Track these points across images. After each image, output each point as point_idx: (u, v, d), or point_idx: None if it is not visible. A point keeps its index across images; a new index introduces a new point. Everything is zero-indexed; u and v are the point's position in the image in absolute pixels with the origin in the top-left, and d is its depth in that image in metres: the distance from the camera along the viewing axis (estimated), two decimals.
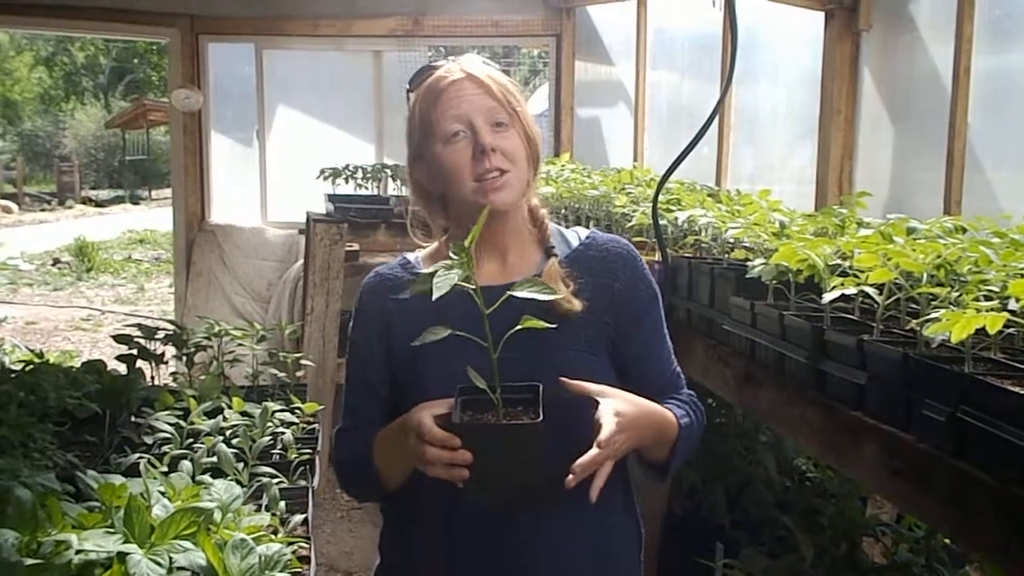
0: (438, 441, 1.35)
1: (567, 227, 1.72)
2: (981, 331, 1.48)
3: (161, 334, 3.36)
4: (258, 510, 2.17)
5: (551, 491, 1.38)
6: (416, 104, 1.59)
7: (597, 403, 1.42)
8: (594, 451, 1.35)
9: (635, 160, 5.67)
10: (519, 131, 1.56)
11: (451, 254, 1.34)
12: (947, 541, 2.59)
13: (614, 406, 1.41)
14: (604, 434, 1.36)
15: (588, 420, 1.41)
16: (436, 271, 1.32)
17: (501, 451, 1.35)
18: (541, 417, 1.34)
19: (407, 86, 1.63)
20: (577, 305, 1.53)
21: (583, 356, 1.55)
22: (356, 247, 5.31)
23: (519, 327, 1.35)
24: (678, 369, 1.70)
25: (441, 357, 1.47)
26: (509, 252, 1.62)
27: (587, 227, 1.81)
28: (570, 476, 1.35)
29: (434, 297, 1.28)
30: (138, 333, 3.30)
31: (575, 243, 1.66)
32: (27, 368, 3.07)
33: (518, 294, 1.34)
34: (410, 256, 1.72)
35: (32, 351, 3.38)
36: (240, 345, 3.47)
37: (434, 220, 1.68)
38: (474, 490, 1.37)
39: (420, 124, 1.58)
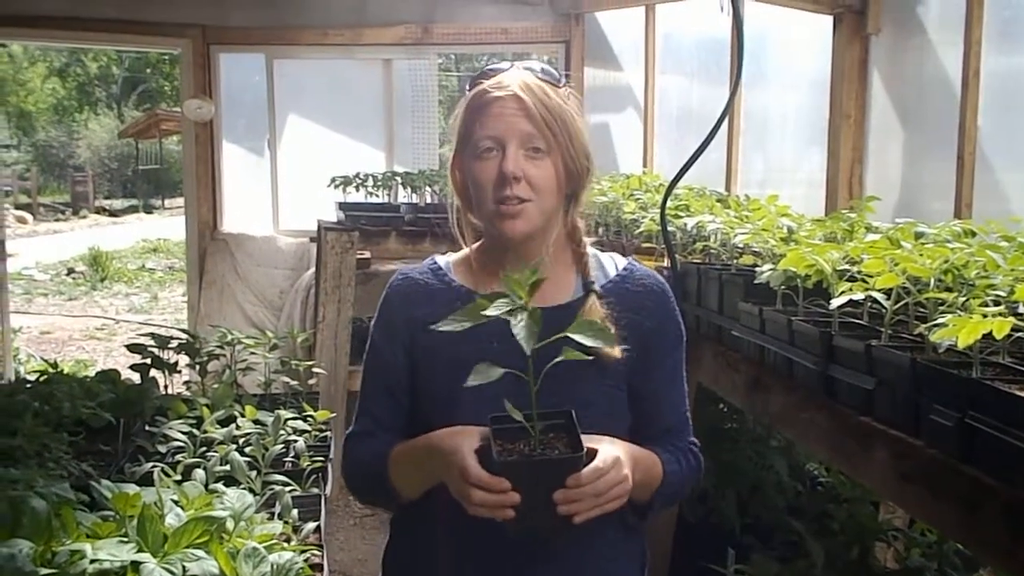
0: (486, 485, 1.32)
1: (602, 250, 1.70)
2: (989, 336, 1.48)
3: (174, 343, 3.38)
4: (271, 518, 2.19)
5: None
6: (462, 109, 1.58)
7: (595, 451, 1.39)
8: (571, 482, 1.33)
9: (645, 165, 5.67)
10: (557, 160, 1.52)
11: (507, 289, 1.34)
12: (960, 546, 2.58)
13: (613, 451, 1.39)
14: (586, 470, 1.33)
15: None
16: (498, 302, 1.32)
17: (546, 484, 1.33)
18: (584, 448, 1.34)
19: (467, 85, 1.61)
20: (617, 353, 1.51)
21: (608, 390, 1.55)
22: (367, 255, 5.33)
23: (560, 358, 1.34)
24: (688, 414, 1.67)
25: (466, 376, 1.41)
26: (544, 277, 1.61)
27: (596, 234, 1.80)
28: (557, 499, 1.33)
29: (527, 351, 1.29)
30: (151, 342, 3.33)
31: (612, 272, 1.64)
32: (42, 378, 3.10)
33: (575, 336, 1.33)
34: (440, 260, 1.68)
35: (47, 361, 3.41)
36: (253, 353, 3.49)
37: (467, 219, 1.64)
38: (518, 525, 1.35)
39: (460, 131, 1.57)
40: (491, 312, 1.32)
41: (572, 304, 1.57)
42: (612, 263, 1.67)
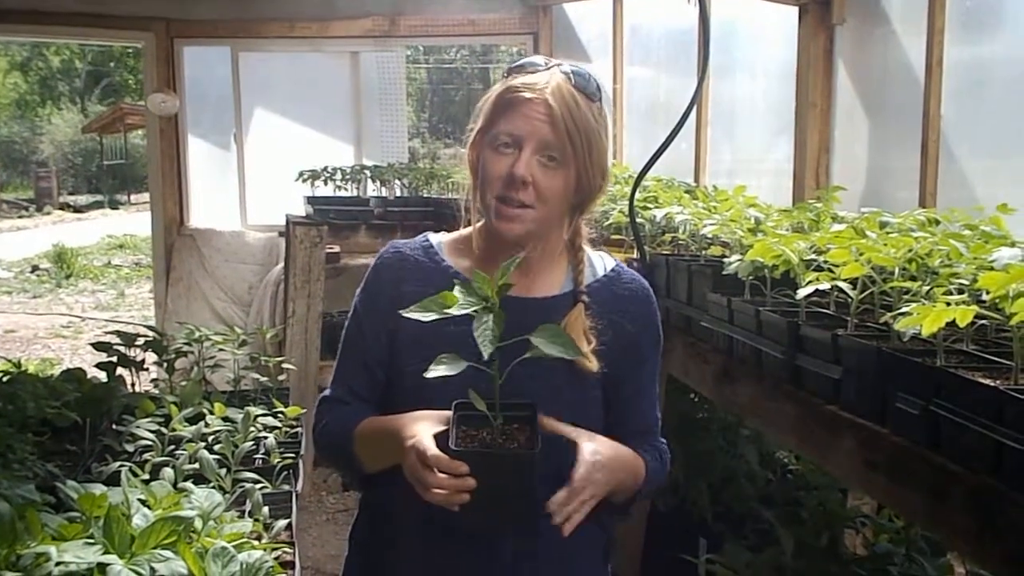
0: (444, 468, 1.32)
1: (592, 248, 1.71)
2: (952, 324, 1.50)
3: (141, 341, 3.34)
4: (241, 516, 2.17)
5: (536, 513, 1.38)
6: (492, 96, 1.56)
7: (575, 443, 1.41)
8: (566, 491, 1.36)
9: (614, 157, 5.68)
10: (570, 173, 1.51)
11: (475, 283, 1.34)
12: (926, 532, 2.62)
13: (593, 448, 1.41)
14: (579, 473, 1.37)
15: (567, 450, 1.41)
16: (463, 300, 1.32)
17: (501, 476, 1.34)
18: (539, 445, 1.34)
19: (504, 72, 1.59)
20: (594, 366, 1.52)
21: (581, 387, 1.55)
22: (337, 249, 5.30)
23: (527, 355, 1.34)
24: (659, 416, 1.70)
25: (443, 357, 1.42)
26: (535, 267, 1.60)
27: None
28: (552, 510, 1.35)
29: (485, 356, 1.29)
30: (118, 340, 3.28)
31: (600, 272, 1.65)
32: (5, 378, 3.05)
33: (538, 345, 1.33)
34: (433, 239, 1.68)
35: (10, 360, 3.36)
36: (221, 350, 3.46)
37: (473, 202, 1.63)
38: (470, 513, 1.35)
39: (485, 118, 1.55)
40: (455, 311, 1.32)
41: (557, 298, 1.59)
42: (601, 263, 1.68)
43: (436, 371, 1.34)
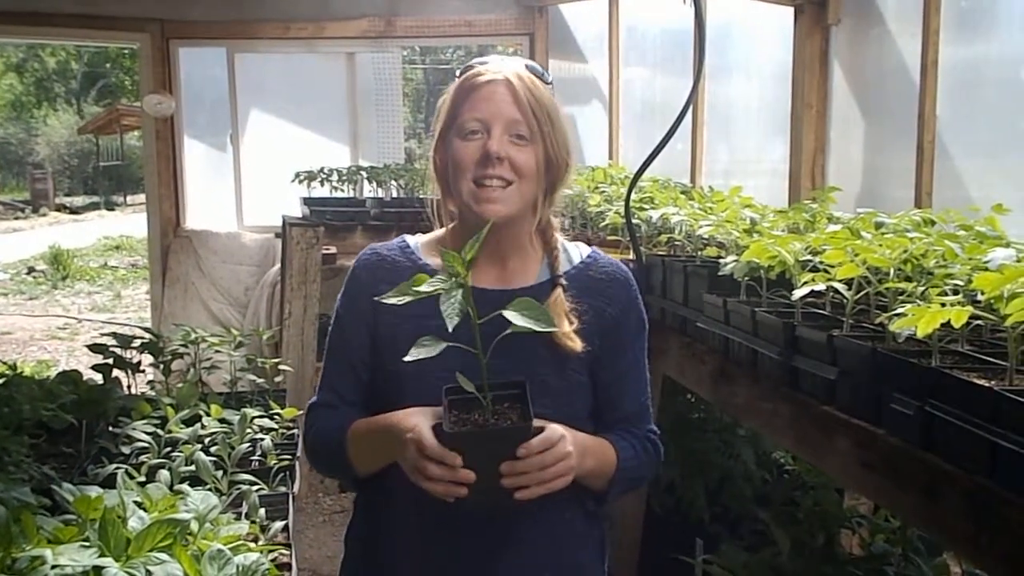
0: (441, 457, 1.33)
1: (568, 239, 1.72)
2: (947, 324, 1.50)
3: (137, 342, 3.34)
4: (237, 518, 2.17)
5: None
6: (452, 91, 1.59)
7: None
8: (523, 449, 1.34)
9: (610, 157, 5.68)
10: (539, 149, 1.54)
11: (444, 262, 1.33)
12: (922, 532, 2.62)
13: (559, 429, 1.41)
14: (536, 439, 1.36)
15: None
16: (438, 290, 1.31)
17: (496, 455, 1.35)
18: (532, 417, 1.35)
19: (457, 72, 1.63)
20: (578, 345, 1.53)
21: (566, 375, 1.56)
22: (333, 250, 5.29)
23: (508, 331, 1.34)
24: (648, 403, 1.70)
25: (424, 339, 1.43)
26: (510, 259, 1.62)
27: (562, 228, 1.80)
28: (504, 471, 1.35)
29: (450, 328, 1.28)
30: (114, 342, 3.28)
31: (576, 260, 1.67)
32: (1, 380, 3.04)
33: (512, 319, 1.33)
34: (410, 240, 1.70)
35: (6, 363, 3.35)
36: (218, 351, 3.45)
37: (445, 205, 1.66)
38: (470, 498, 1.36)
39: (448, 111, 1.59)
40: (424, 288, 1.32)
41: (535, 288, 1.59)
42: (577, 252, 1.69)
43: (415, 354, 1.33)
